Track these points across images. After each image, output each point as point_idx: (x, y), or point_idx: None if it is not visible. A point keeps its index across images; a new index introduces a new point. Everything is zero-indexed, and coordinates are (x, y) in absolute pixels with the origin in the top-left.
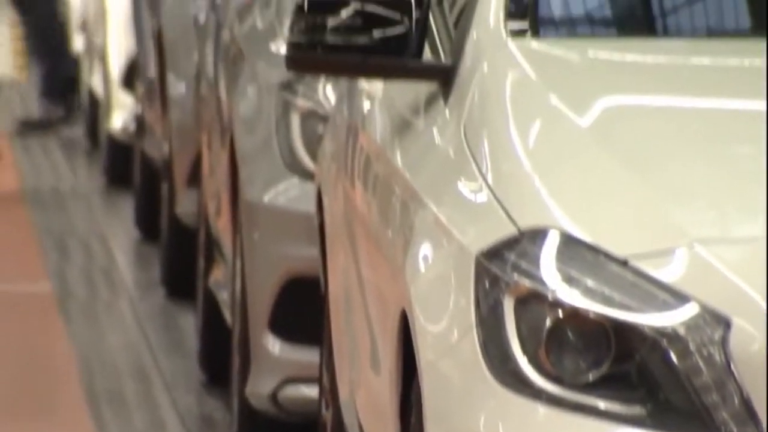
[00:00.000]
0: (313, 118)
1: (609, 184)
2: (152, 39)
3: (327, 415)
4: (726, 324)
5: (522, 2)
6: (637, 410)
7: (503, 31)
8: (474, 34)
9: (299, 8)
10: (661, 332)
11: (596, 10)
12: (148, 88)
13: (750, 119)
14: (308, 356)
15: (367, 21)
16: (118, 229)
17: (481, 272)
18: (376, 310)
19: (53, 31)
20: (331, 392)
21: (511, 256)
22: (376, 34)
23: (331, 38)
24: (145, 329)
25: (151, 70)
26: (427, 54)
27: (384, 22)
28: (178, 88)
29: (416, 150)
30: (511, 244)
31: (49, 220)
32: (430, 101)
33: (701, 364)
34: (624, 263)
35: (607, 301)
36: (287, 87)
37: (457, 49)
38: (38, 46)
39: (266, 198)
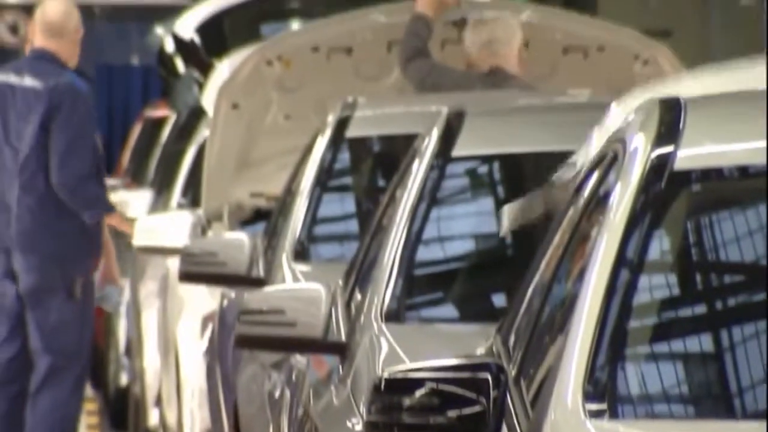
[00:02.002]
0: None
1: None
2: (228, 414)
3: None
4: None
5: (600, 383)
6: None
7: (581, 412)
8: (552, 415)
9: (376, 387)
10: None
11: (674, 390)
12: None
13: None
14: None
15: (443, 400)
16: None
17: None
18: None
19: None
20: None
21: None
22: (452, 413)
23: (407, 418)
24: None
25: None
26: None
27: (460, 401)
28: None
29: None
30: None
31: None
32: None
33: None
34: None
35: None
36: None
37: (535, 430)
38: None
39: None
